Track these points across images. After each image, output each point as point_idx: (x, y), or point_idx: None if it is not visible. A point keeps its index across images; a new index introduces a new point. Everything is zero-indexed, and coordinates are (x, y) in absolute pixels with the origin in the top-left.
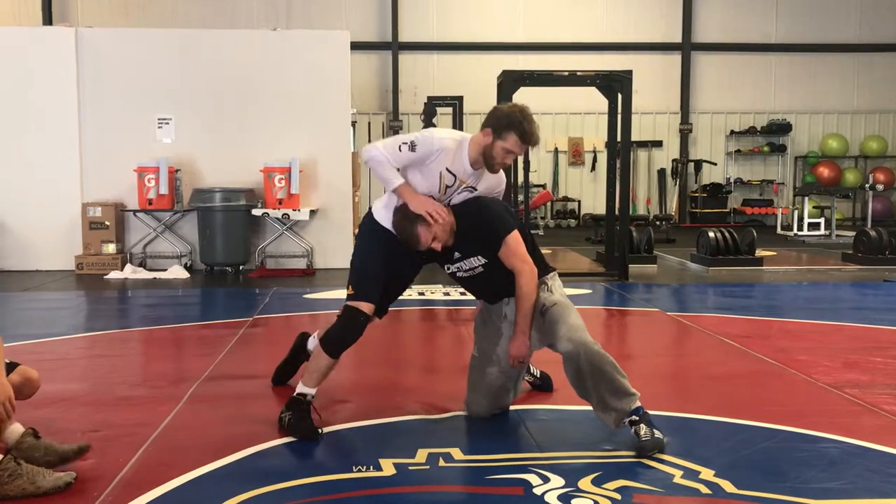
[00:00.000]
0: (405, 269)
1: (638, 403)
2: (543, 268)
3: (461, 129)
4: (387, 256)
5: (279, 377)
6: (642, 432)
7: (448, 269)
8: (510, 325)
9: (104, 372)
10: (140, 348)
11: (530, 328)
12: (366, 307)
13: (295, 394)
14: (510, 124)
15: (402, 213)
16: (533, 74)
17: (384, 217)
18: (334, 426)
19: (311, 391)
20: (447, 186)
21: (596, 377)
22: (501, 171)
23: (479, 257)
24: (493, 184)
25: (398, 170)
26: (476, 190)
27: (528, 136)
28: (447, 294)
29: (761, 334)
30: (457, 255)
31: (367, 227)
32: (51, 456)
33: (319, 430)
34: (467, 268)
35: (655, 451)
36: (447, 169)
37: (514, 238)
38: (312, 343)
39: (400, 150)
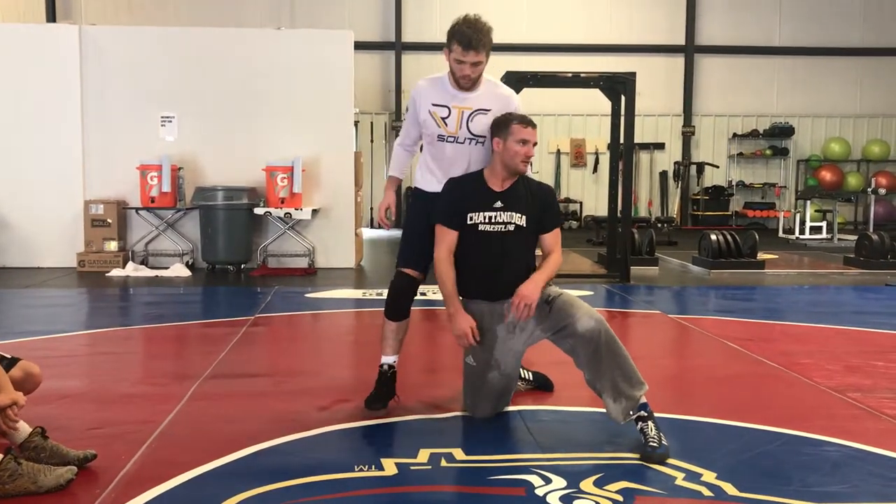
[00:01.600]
0: (425, 238)
1: (645, 398)
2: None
3: None
4: (425, 226)
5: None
6: (651, 433)
7: (471, 218)
8: (507, 326)
9: (106, 369)
10: (142, 346)
11: (543, 286)
12: (407, 272)
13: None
14: (451, 34)
15: (498, 117)
16: (536, 75)
17: (420, 181)
18: (336, 425)
19: (388, 360)
20: (444, 118)
21: (613, 358)
22: (507, 89)
23: (522, 216)
24: (503, 103)
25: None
26: (488, 112)
27: (467, 39)
28: None
29: (763, 337)
30: (499, 203)
31: (413, 196)
32: (55, 459)
33: (383, 404)
34: (501, 220)
35: (662, 460)
36: (433, 104)
37: (559, 231)
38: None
39: (406, 119)
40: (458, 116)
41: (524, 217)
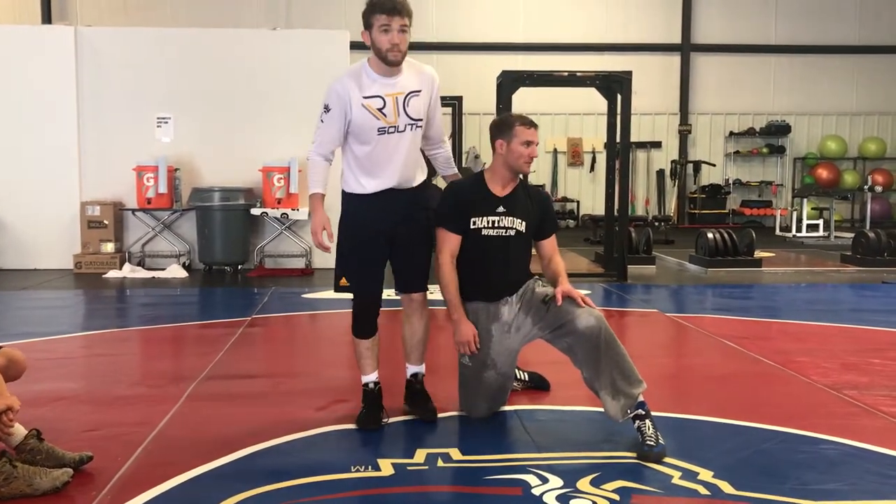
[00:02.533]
0: (379, 247)
1: (643, 397)
2: (531, 271)
3: (460, 130)
4: (373, 233)
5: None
6: (649, 432)
7: (475, 223)
8: (502, 325)
9: (103, 371)
10: (139, 347)
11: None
12: (364, 293)
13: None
14: (368, 10)
15: (499, 118)
16: (532, 75)
17: (356, 185)
18: (333, 426)
19: (367, 378)
20: (380, 109)
21: (612, 355)
22: (429, 68)
23: (523, 222)
24: (430, 82)
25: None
26: (420, 93)
27: (390, 4)
28: None
29: (760, 336)
30: (501, 208)
31: (350, 202)
32: (51, 461)
33: (382, 421)
34: (502, 225)
35: (659, 459)
36: (364, 98)
37: (555, 236)
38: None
39: (323, 122)
40: (393, 104)
41: (524, 223)
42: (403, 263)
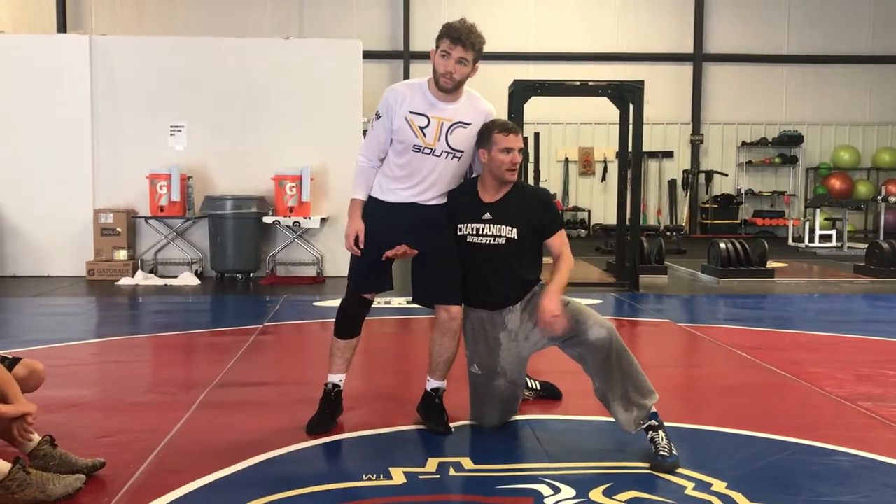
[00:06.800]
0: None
1: (655, 408)
2: (538, 278)
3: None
4: (379, 242)
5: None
6: (662, 442)
7: (461, 230)
8: (509, 334)
9: (115, 378)
10: (150, 355)
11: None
12: (356, 296)
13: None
14: (440, 33)
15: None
16: (544, 84)
17: (379, 191)
18: (344, 434)
19: (332, 378)
20: (421, 128)
21: (624, 367)
22: (487, 104)
23: (513, 229)
24: (483, 118)
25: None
26: (469, 126)
27: (456, 33)
28: None
29: (773, 346)
30: (487, 215)
31: (369, 206)
32: (64, 468)
33: (322, 428)
34: (490, 233)
35: (672, 470)
36: (410, 112)
37: (563, 233)
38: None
39: (373, 127)
40: (437, 127)
41: (515, 230)
42: (430, 276)
